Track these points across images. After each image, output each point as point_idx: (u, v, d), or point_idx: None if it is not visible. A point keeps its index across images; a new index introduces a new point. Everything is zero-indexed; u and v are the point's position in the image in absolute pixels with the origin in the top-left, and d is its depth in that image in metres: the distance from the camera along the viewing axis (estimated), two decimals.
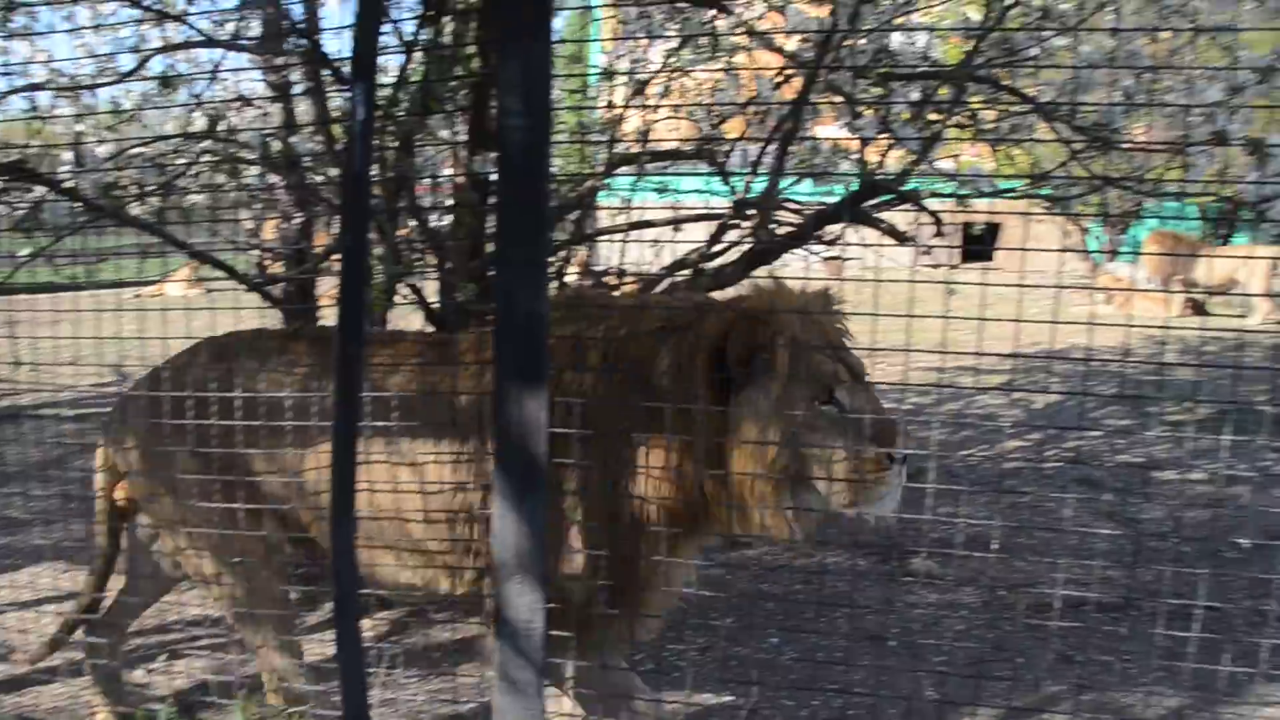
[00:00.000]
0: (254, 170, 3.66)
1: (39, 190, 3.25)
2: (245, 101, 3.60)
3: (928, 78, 3.18)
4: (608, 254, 3.98)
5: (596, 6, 4.59)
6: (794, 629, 3.66)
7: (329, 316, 3.74)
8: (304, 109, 3.71)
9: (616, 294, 3.48)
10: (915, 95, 3.18)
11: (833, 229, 3.59)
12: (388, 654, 3.40)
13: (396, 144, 3.24)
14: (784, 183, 3.45)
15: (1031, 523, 4.76)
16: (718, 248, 3.64)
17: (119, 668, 3.08)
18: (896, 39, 3.13)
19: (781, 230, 3.62)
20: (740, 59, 3.65)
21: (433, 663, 3.48)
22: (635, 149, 3.74)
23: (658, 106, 3.85)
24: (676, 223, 3.72)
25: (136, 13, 3.35)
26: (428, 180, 3.78)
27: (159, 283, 12.80)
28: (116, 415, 2.82)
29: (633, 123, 3.87)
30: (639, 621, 2.43)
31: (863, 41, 3.10)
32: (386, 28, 3.18)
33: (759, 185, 3.45)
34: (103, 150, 3.36)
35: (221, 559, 2.63)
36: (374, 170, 3.03)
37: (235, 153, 3.52)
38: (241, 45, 3.41)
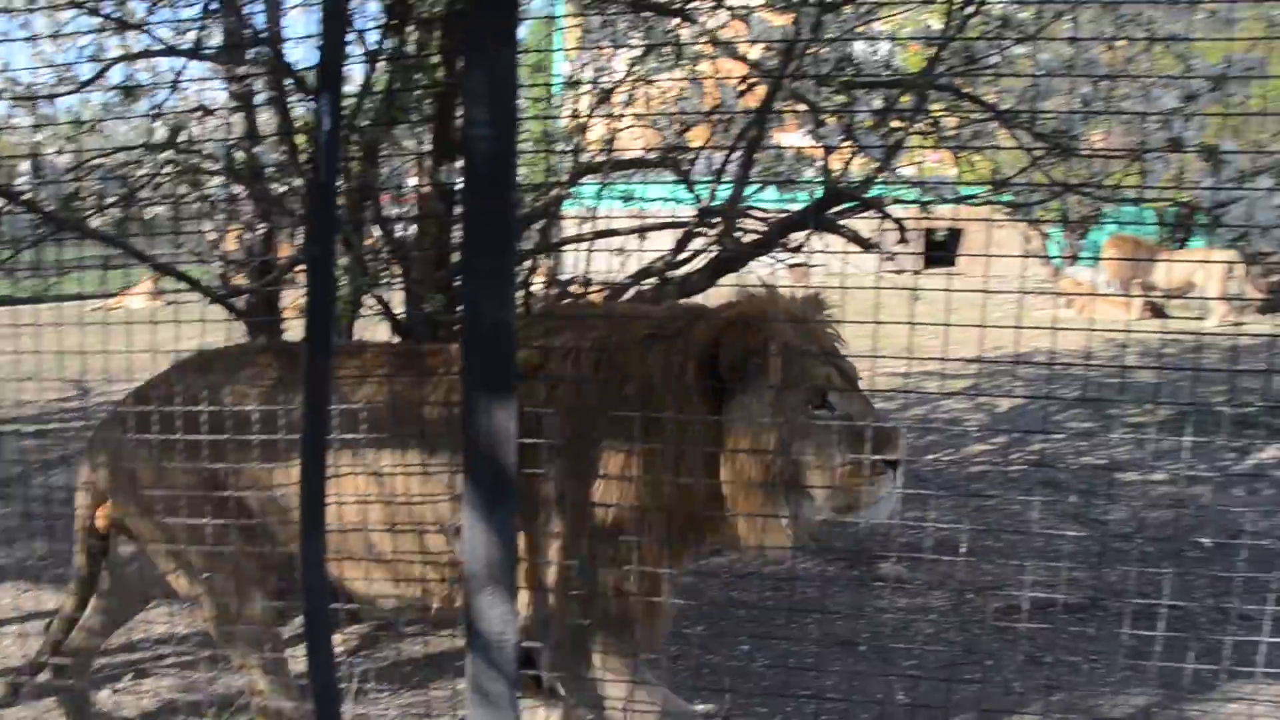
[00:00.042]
0: (216, 181, 3.63)
1: None
2: (207, 111, 3.57)
3: (890, 86, 3.21)
4: (573, 263, 3.97)
5: (560, 17, 4.59)
6: (765, 636, 3.67)
7: (295, 328, 3.71)
8: (266, 118, 3.68)
9: (606, 303, 3.46)
10: (878, 103, 3.21)
11: (797, 236, 3.61)
12: (359, 669, 3.37)
13: (361, 154, 3.23)
14: (748, 190, 3.47)
15: (998, 526, 4.81)
16: (683, 256, 3.64)
17: (86, 688, 3.03)
18: (859, 48, 3.16)
19: (747, 238, 3.63)
20: (704, 67, 3.67)
21: (404, 677, 3.46)
22: (600, 158, 3.74)
23: (622, 115, 3.85)
24: (642, 231, 3.72)
25: (95, 21, 3.31)
26: (393, 190, 3.77)
27: (119, 295, 12.64)
28: (101, 435, 2.74)
29: (597, 131, 3.87)
30: (652, 631, 2.38)
31: (825, 50, 3.12)
32: (350, 37, 3.16)
33: (724, 193, 3.47)
34: (62, 161, 3.31)
35: (212, 576, 2.58)
36: (339, 180, 3.01)
37: (198, 163, 3.48)
38: (203, 54, 3.38)
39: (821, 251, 3.59)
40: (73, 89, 3.34)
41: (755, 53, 3.32)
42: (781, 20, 3.23)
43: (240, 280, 3.88)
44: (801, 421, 2.15)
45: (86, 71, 3.30)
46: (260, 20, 3.45)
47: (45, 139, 3.40)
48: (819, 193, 3.45)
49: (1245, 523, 4.92)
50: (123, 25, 3.31)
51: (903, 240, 3.59)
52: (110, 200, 3.40)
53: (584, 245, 3.77)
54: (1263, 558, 4.34)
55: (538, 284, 3.97)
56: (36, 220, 3.18)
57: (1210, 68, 2.72)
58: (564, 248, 4.00)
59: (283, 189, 3.58)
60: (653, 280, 3.63)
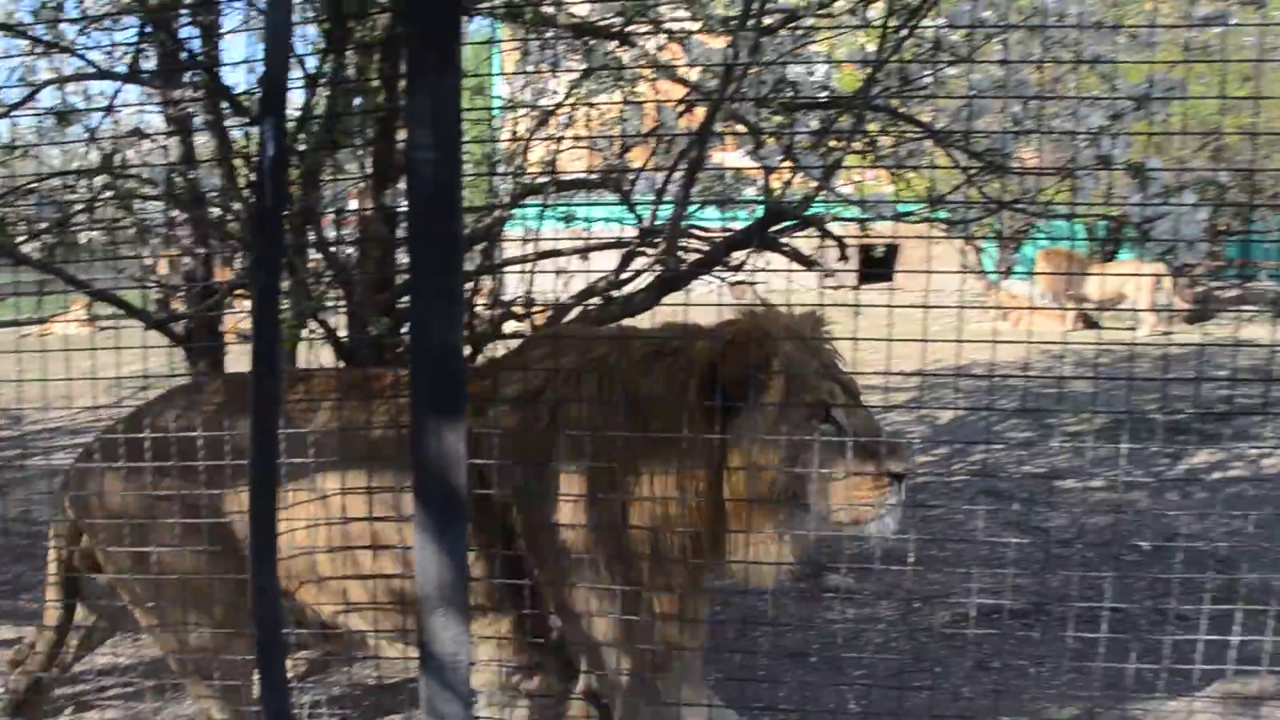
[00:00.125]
0: (153, 205, 3.58)
1: None
2: (142, 135, 3.52)
3: (827, 107, 3.27)
4: (516, 284, 3.97)
5: (499, 42, 4.60)
6: (715, 649, 3.68)
7: (235, 353, 3.66)
8: (203, 142, 3.64)
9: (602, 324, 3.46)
10: (816, 124, 3.27)
11: (739, 254, 3.65)
12: (310, 694, 3.32)
13: (302, 178, 3.20)
14: (690, 210, 3.50)
15: (943, 535, 4.88)
16: (625, 275, 3.66)
17: None
18: (796, 70, 3.21)
19: (690, 257, 3.66)
20: (644, 89, 3.70)
21: (355, 701, 3.41)
22: (541, 179, 3.75)
23: (563, 137, 3.87)
24: (584, 251, 3.73)
25: (24, 43, 3.24)
26: (334, 214, 3.74)
27: (49, 322, 12.34)
28: (79, 475, 2.67)
29: (538, 153, 3.88)
30: (691, 650, 2.38)
31: (763, 72, 3.17)
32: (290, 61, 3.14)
33: (666, 213, 3.49)
34: None
35: (193, 609, 2.53)
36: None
37: (135, 188, 3.43)
38: (138, 78, 3.33)
39: (764, 270, 3.63)
40: (1, 113, 3.28)
41: (694, 74, 3.37)
42: (719, 43, 3.27)
43: (178, 305, 3.82)
44: (806, 437, 2.16)
45: (15, 95, 3.24)
46: (196, 44, 3.42)
47: None
48: (760, 212, 3.49)
49: (1180, 526, 5.06)
50: (50, 48, 3.25)
51: (844, 258, 3.64)
52: (43, 225, 3.33)
53: (527, 266, 3.77)
54: (1197, 559, 4.47)
55: (480, 305, 3.96)
56: None
57: (1134, 88, 2.81)
58: (506, 269, 4.00)
59: (221, 213, 3.54)
60: (596, 300, 3.64)
